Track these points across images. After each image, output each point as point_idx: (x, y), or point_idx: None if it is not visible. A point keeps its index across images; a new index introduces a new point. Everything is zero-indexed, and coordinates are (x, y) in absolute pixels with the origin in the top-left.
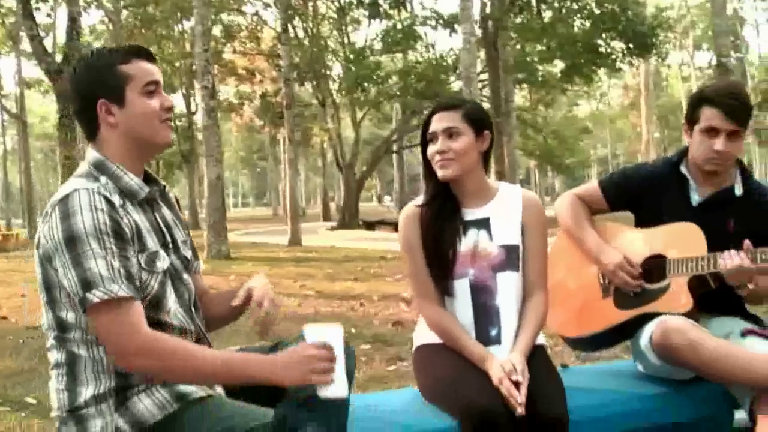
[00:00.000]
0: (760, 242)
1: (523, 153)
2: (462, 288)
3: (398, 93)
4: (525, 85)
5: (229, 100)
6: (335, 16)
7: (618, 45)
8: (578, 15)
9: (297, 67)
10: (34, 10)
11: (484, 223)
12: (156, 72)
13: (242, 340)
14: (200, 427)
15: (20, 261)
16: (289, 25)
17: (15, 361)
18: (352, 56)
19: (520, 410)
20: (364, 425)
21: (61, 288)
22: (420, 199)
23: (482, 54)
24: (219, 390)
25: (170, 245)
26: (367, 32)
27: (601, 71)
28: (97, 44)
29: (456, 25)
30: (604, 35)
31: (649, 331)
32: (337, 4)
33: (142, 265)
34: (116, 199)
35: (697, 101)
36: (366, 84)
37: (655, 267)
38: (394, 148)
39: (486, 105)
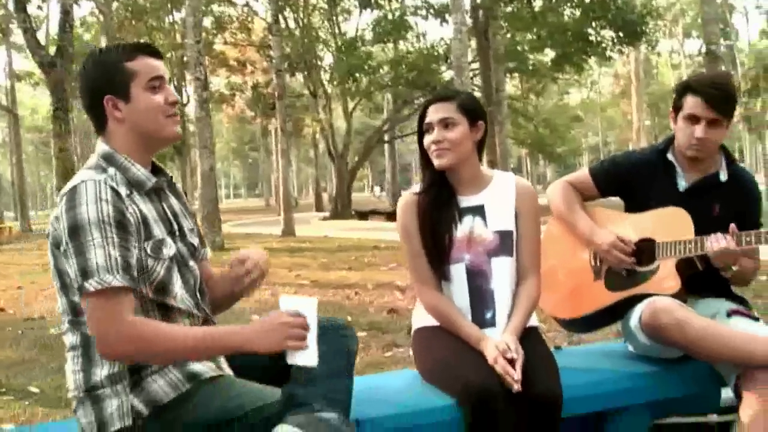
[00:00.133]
0: (744, 225)
1: (515, 142)
2: (458, 272)
3: (389, 83)
4: (516, 74)
5: (220, 91)
6: (326, 6)
7: (608, 33)
8: (568, 4)
9: (288, 58)
10: (27, 2)
11: (479, 210)
12: (160, 67)
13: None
14: (211, 405)
15: (14, 254)
16: (280, 16)
17: (15, 352)
18: (343, 47)
19: (516, 386)
20: (366, 405)
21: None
22: (417, 188)
23: (473, 43)
24: (228, 370)
25: (177, 233)
26: (358, 22)
27: (592, 60)
28: (87, 36)
29: (447, 15)
30: (594, 24)
31: (638, 311)
32: None
33: (149, 252)
34: (123, 190)
35: (682, 90)
36: (357, 74)
37: (644, 250)
38: (386, 138)
39: (477, 94)
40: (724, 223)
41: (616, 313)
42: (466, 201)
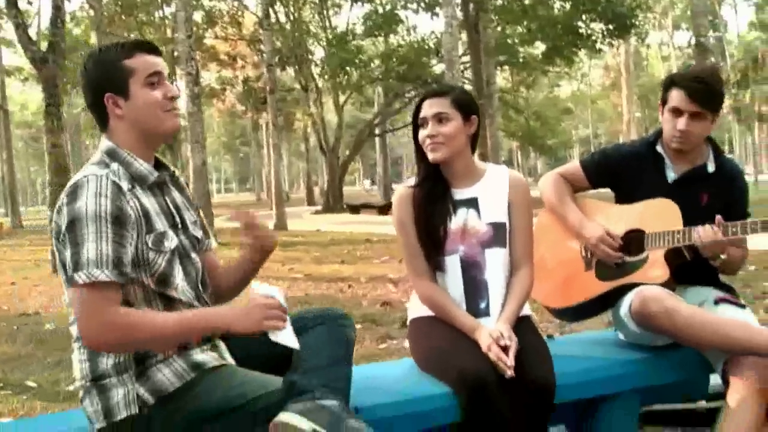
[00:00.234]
0: (731, 215)
1: (506, 134)
2: (453, 264)
3: (380, 76)
4: (506, 67)
5: (210, 85)
6: (317, 0)
7: (598, 26)
8: None
9: (279, 52)
10: None
11: (472, 203)
12: (158, 64)
13: None
14: (214, 394)
15: (6, 249)
16: (271, 10)
17: (11, 347)
18: (334, 41)
19: (510, 372)
20: (363, 393)
21: None
22: (412, 181)
23: (464, 36)
24: (231, 360)
25: (179, 226)
26: (348, 16)
27: (582, 52)
28: (77, 31)
29: (437, 8)
30: (584, 17)
31: (628, 300)
32: None
33: (150, 245)
34: (125, 184)
35: (667, 83)
36: (349, 68)
37: (634, 240)
38: (377, 131)
39: (468, 87)
40: (712, 213)
41: (607, 302)
42: (460, 194)
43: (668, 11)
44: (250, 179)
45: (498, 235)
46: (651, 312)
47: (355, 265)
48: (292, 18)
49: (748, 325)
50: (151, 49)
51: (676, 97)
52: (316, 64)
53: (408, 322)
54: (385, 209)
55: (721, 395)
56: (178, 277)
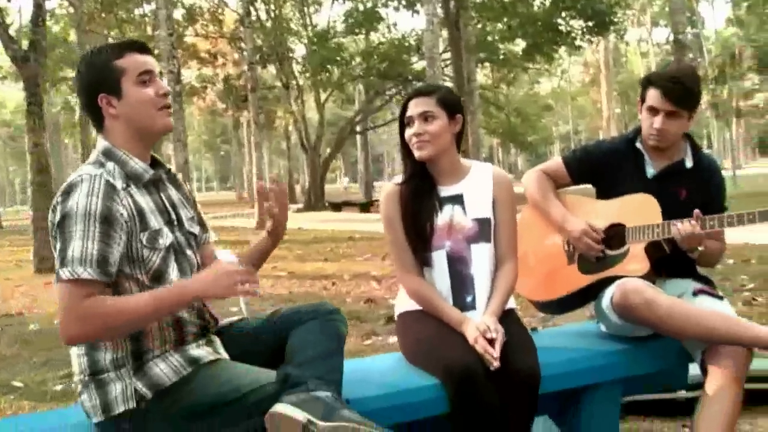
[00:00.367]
0: (709, 210)
1: (486, 131)
2: (439, 259)
3: (361, 74)
4: (487, 64)
5: (191, 83)
6: None
7: (577, 23)
8: None
9: (260, 50)
10: None
11: (458, 199)
12: (149, 62)
13: None
14: (210, 388)
15: None
16: (252, 8)
17: None
18: (316, 38)
19: (496, 364)
20: (354, 386)
21: None
22: (398, 179)
23: (444, 34)
24: (225, 355)
25: (175, 223)
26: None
27: (562, 49)
28: (56, 28)
29: (418, 6)
30: (563, 14)
31: (610, 293)
32: None
33: (144, 242)
34: (120, 183)
35: (645, 82)
36: (330, 66)
37: (615, 235)
38: (358, 129)
39: (449, 84)
40: (690, 207)
41: (589, 294)
42: (445, 190)
43: (647, 8)
44: (231, 178)
45: (483, 230)
46: (632, 304)
47: (338, 263)
48: (272, 15)
49: (728, 315)
50: (142, 48)
51: (652, 96)
52: (298, 62)
53: (396, 317)
54: (366, 207)
55: (700, 386)
56: (173, 273)
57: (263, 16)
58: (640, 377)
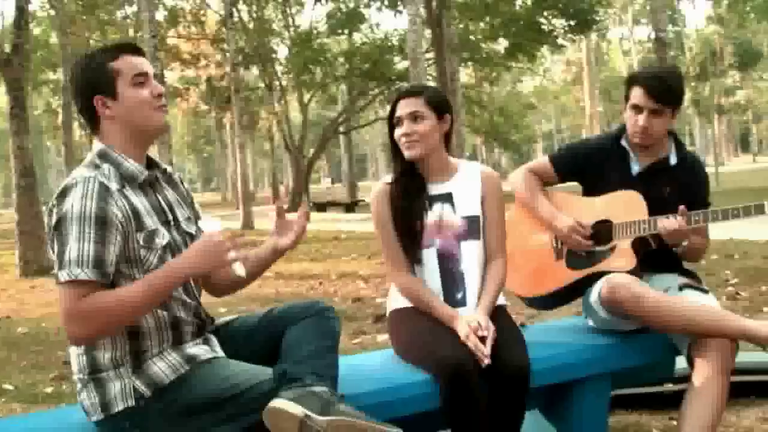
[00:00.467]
0: (694, 205)
1: (470, 130)
2: (430, 256)
3: (344, 74)
4: (470, 63)
5: (173, 85)
6: None
7: (559, 22)
8: None
9: (243, 51)
10: None
11: (447, 197)
12: (143, 64)
13: None
14: (208, 385)
15: None
16: (234, 9)
17: None
18: (298, 39)
19: (487, 361)
20: (347, 382)
21: None
22: (388, 178)
23: (427, 33)
24: (222, 353)
25: (172, 223)
26: (312, 14)
27: (544, 48)
28: (38, 30)
29: (400, 5)
30: (545, 13)
31: (598, 288)
32: None
33: (141, 243)
34: (114, 185)
35: (629, 81)
36: (313, 66)
37: (602, 231)
38: (342, 129)
39: (432, 83)
40: (675, 203)
41: (577, 290)
42: (435, 189)
43: (628, 7)
44: (215, 179)
45: (472, 228)
46: (619, 298)
47: (325, 263)
48: (255, 17)
49: (714, 308)
50: (135, 50)
51: (636, 94)
52: (280, 63)
53: (387, 314)
54: (351, 207)
55: (687, 378)
56: None
57: (245, 17)
58: (628, 370)
